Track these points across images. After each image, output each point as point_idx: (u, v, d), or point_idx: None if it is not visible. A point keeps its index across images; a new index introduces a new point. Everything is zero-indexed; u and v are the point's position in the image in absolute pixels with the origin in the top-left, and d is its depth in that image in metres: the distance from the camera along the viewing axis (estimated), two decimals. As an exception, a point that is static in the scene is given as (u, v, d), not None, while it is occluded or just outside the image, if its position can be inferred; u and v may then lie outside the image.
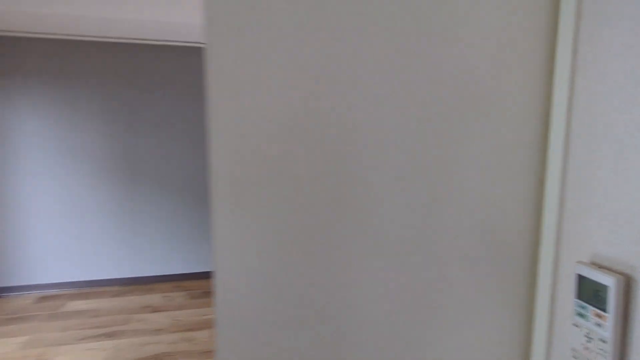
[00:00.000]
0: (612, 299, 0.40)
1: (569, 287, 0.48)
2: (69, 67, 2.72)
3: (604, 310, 0.41)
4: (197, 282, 3.08)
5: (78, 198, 2.83)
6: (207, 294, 2.88)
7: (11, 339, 2.24)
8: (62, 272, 2.86)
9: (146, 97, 2.86)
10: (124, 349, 2.16)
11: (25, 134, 2.71)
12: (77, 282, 2.89)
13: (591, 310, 0.43)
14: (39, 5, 2.09)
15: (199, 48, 2.88)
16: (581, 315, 0.44)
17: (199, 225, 3.07)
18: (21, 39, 2.64)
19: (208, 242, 3.11)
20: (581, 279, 0.44)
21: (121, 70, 2.80)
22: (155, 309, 2.63)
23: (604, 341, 0.42)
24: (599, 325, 0.42)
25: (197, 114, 2.96)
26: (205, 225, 3.08)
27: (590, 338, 0.43)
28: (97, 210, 2.87)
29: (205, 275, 3.13)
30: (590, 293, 0.43)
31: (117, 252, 2.94)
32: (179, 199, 2.99)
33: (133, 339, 2.25)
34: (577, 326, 0.45)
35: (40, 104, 2.71)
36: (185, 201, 3.01)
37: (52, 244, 2.82)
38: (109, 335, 2.28)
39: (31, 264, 2.81)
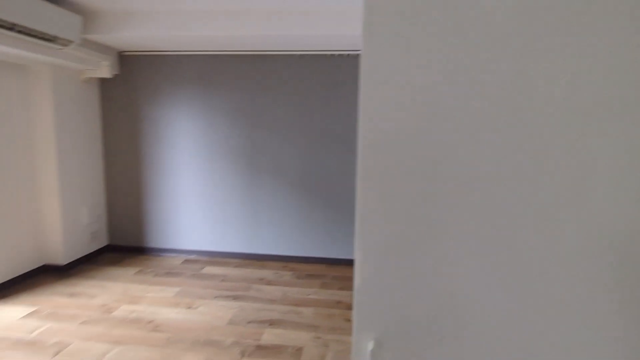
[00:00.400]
0: None
1: None
2: (212, 77, 3.35)
3: None
4: (301, 265, 3.44)
5: (214, 184, 3.47)
6: (310, 276, 3.20)
7: (168, 287, 2.92)
8: (201, 242, 3.56)
9: (269, 101, 3.31)
10: (246, 310, 2.60)
11: (180, 131, 3.45)
12: (210, 251, 3.56)
13: None
14: (193, 29, 2.66)
15: (316, 56, 3.19)
16: None
17: (305, 214, 3.42)
18: (183, 56, 3.35)
19: (311, 230, 3.44)
20: None
21: (249, 77, 3.30)
22: (268, 282, 3.06)
23: None
24: None
25: (312, 116, 3.28)
26: (309, 215, 3.41)
27: None
28: (227, 195, 3.47)
29: (307, 260, 3.48)
30: None
31: (240, 230, 3.51)
32: (290, 190, 3.39)
33: (252, 304, 2.69)
34: None
35: (190, 108, 3.41)
36: (295, 193, 3.39)
37: (195, 219, 3.53)
38: (235, 298, 2.77)
39: (180, 233, 3.57)
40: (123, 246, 3.62)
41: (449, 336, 0.71)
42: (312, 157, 3.33)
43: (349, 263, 3.43)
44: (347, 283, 3.06)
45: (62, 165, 3.05)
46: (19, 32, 2.27)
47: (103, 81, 3.47)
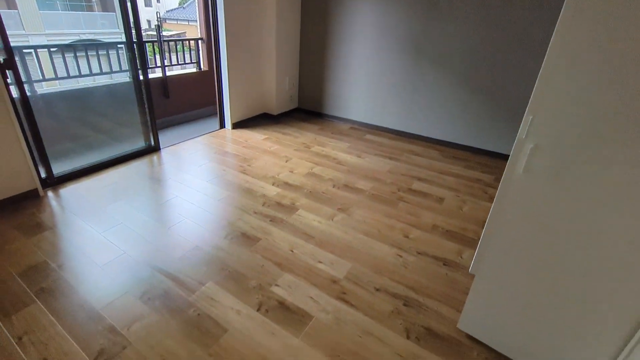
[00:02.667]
0: None
1: None
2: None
3: None
4: (447, 148, 3.89)
5: (382, 67, 3.98)
6: (455, 157, 3.65)
7: (341, 142, 3.89)
8: (364, 114, 4.34)
9: (453, -20, 3.33)
10: (399, 167, 3.35)
11: (357, 20, 3.90)
12: (370, 124, 4.34)
13: None
14: None
15: None
16: None
17: (461, 103, 3.67)
18: None
19: (464, 119, 3.72)
20: None
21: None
22: (417, 154, 3.69)
23: None
24: None
25: (488, 9, 3.20)
26: (465, 104, 3.65)
27: None
28: (391, 77, 3.97)
29: (453, 145, 3.88)
30: None
31: (398, 108, 4.08)
32: (451, 80, 3.62)
33: (404, 165, 3.41)
34: None
35: (375, -12, 3.75)
36: (455, 83, 3.61)
37: (362, 96, 4.26)
38: (390, 158, 3.54)
39: (349, 106, 4.41)
40: (307, 110, 4.76)
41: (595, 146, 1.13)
42: (481, 50, 3.37)
43: (495, 156, 3.68)
44: (490, 169, 3.41)
45: (278, 45, 4.06)
46: None
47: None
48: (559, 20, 1.12)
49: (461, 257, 2.10)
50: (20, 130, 2.21)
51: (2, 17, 2.06)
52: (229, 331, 1.49)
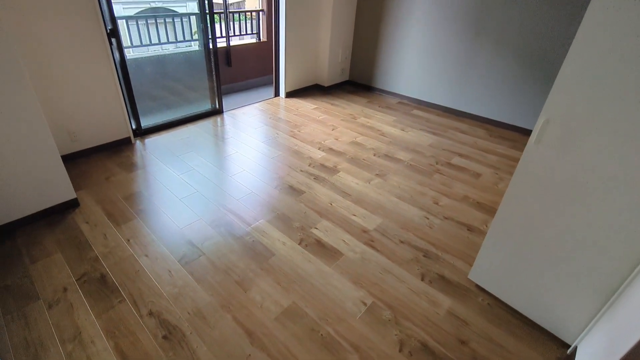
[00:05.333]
0: None
1: None
2: None
3: None
4: (496, 128, 3.86)
5: (437, 42, 3.97)
6: (502, 137, 3.64)
7: (388, 116, 4.04)
8: (413, 90, 4.40)
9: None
10: (442, 142, 3.45)
11: (420, -15, 3.89)
12: (419, 99, 4.40)
13: None
14: None
15: None
16: None
17: (516, 83, 3.58)
18: None
19: (517, 99, 3.64)
20: None
21: None
22: (462, 132, 3.73)
23: None
24: None
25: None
26: (520, 84, 3.56)
27: None
28: (445, 53, 3.96)
29: (503, 125, 3.83)
30: None
31: (449, 85, 4.09)
32: (508, 58, 3.53)
33: (447, 140, 3.50)
34: None
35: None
36: (511, 61, 3.52)
37: (412, 71, 4.30)
38: (435, 133, 3.64)
39: (399, 80, 4.49)
40: (358, 83, 4.92)
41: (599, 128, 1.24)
42: (544, 28, 3.24)
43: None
44: (536, 149, 3.37)
45: (334, 19, 4.22)
46: None
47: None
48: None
49: (486, 226, 2.26)
50: (120, 89, 2.74)
51: (110, -7, 2.52)
52: (275, 255, 1.87)
